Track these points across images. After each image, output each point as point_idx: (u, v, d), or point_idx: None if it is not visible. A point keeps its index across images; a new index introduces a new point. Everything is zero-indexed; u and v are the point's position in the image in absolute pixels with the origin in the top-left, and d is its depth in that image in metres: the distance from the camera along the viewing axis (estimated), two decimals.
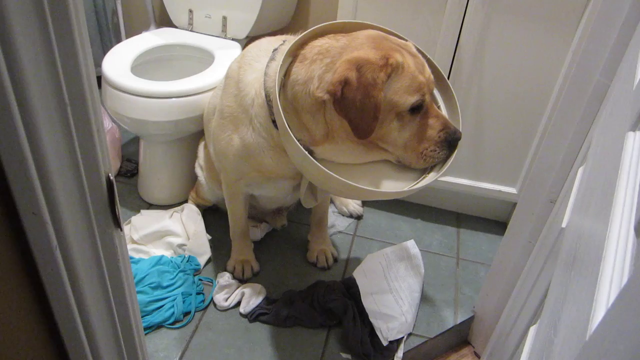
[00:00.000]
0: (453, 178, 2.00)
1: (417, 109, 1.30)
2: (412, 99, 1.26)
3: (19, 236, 0.58)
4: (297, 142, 1.24)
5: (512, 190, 1.98)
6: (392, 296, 1.66)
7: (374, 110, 1.23)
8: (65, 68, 0.55)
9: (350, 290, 1.69)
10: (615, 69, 1.07)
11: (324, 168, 1.23)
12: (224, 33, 2.20)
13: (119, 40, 2.58)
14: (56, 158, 0.57)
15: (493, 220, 2.17)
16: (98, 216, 0.66)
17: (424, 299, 1.78)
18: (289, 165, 1.44)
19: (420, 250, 1.87)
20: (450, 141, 1.34)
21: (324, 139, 1.32)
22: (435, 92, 1.45)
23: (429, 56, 1.41)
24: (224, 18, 2.16)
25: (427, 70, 1.32)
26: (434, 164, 1.36)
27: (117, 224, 0.70)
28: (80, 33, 0.56)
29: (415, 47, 1.36)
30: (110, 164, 0.68)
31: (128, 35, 2.50)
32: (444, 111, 1.44)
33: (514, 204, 1.84)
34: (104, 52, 2.03)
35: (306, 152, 1.24)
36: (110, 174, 0.67)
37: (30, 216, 0.57)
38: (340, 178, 1.22)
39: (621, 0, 1.04)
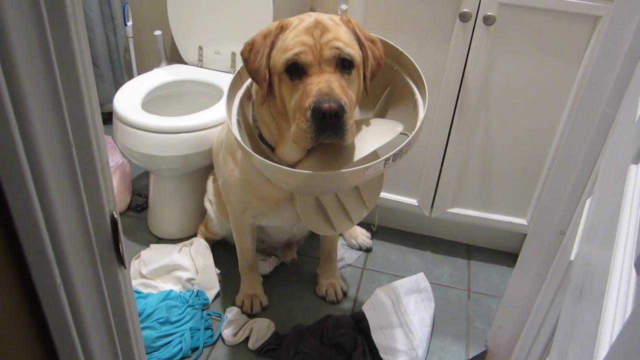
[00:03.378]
0: (463, 210, 1.99)
1: (298, 72, 1.21)
2: (284, 57, 1.21)
3: (24, 274, 0.59)
4: (250, 150, 1.25)
5: (523, 221, 1.96)
6: (403, 330, 1.64)
7: (264, 71, 1.25)
8: (70, 108, 0.56)
9: (360, 324, 1.67)
10: (620, 99, 1.07)
11: (272, 163, 1.24)
12: (233, 69, 2.23)
13: (130, 76, 2.63)
14: (61, 197, 0.58)
15: (504, 252, 2.14)
16: (102, 254, 0.67)
17: (435, 332, 1.76)
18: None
19: (431, 283, 1.85)
20: (313, 110, 1.13)
21: (278, 137, 1.36)
22: (418, 96, 1.39)
23: (398, 47, 1.44)
24: (233, 54, 2.19)
25: (327, 37, 1.20)
26: (309, 144, 1.19)
27: (122, 262, 0.71)
28: (85, 73, 0.57)
29: (380, 40, 1.38)
30: (115, 202, 0.68)
31: (140, 72, 2.55)
32: (420, 109, 1.36)
33: (525, 235, 1.82)
34: (116, 89, 2.07)
35: (253, 153, 1.25)
36: (114, 212, 0.67)
37: (35, 255, 0.57)
38: (292, 169, 1.25)
39: (623, 31, 1.05)
